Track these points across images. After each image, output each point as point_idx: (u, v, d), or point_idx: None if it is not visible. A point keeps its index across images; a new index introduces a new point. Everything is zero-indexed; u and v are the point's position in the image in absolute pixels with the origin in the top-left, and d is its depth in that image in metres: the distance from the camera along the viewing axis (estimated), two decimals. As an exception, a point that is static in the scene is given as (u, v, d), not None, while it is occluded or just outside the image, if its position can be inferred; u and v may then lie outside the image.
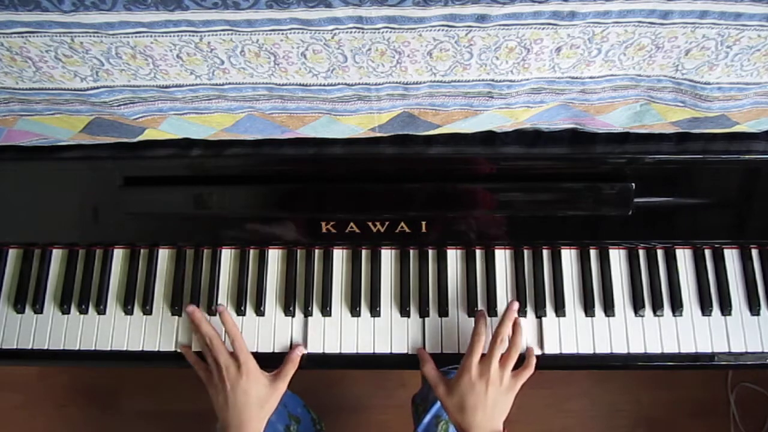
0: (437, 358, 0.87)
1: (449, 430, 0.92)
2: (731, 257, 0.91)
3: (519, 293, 0.90)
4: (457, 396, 0.78)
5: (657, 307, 0.89)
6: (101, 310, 0.90)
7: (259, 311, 0.89)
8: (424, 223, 0.86)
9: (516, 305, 0.86)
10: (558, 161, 0.85)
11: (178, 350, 0.88)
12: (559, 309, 0.89)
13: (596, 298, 0.89)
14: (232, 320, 0.85)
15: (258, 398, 0.79)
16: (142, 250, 0.93)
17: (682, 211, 0.87)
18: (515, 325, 0.84)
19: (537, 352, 0.86)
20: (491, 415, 0.77)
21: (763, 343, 0.87)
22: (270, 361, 0.85)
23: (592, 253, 0.91)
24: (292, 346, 0.88)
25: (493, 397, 0.77)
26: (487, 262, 0.91)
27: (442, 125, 0.77)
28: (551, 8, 0.55)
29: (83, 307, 0.90)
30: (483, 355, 0.80)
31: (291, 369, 0.84)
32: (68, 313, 0.91)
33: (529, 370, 0.82)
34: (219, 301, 0.90)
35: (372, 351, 0.88)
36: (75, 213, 0.90)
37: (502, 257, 0.91)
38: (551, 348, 0.87)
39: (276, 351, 0.88)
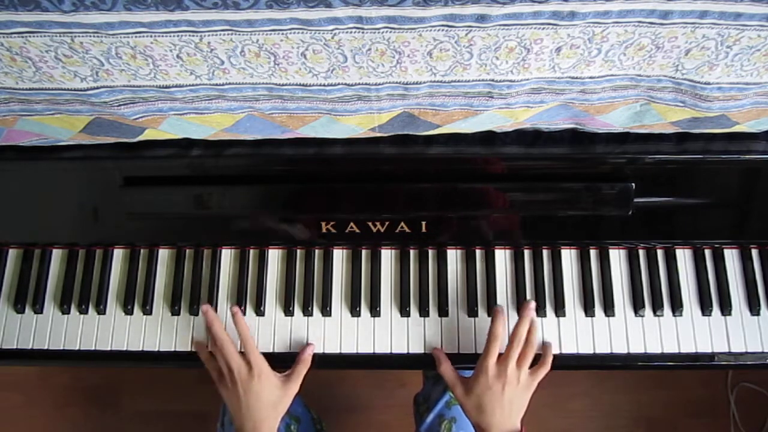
0: (437, 358, 0.87)
1: (452, 429, 0.92)
2: (731, 257, 0.91)
3: (519, 293, 0.90)
4: (475, 397, 0.78)
5: (657, 307, 0.89)
6: (101, 310, 0.90)
7: (259, 311, 0.89)
8: (424, 223, 0.86)
9: (533, 304, 0.85)
10: (558, 161, 0.85)
11: (179, 350, 0.88)
12: (559, 309, 0.89)
13: (596, 298, 0.89)
14: (244, 323, 0.85)
15: (270, 400, 0.80)
16: (142, 250, 0.93)
17: (682, 211, 0.87)
18: (531, 324, 0.83)
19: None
20: (509, 414, 0.77)
21: (763, 343, 0.87)
22: (270, 361, 0.85)
23: (592, 253, 0.91)
24: (301, 346, 0.87)
25: (510, 397, 0.77)
26: (487, 262, 0.91)
27: (442, 125, 0.77)
28: (551, 8, 0.55)
29: (83, 307, 0.90)
30: (500, 354, 0.81)
31: (303, 369, 0.84)
32: (68, 313, 0.91)
33: (546, 368, 0.82)
34: (219, 301, 0.90)
35: (372, 351, 0.88)
36: (75, 213, 0.90)
37: (502, 257, 0.91)
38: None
39: (276, 351, 0.88)
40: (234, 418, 0.81)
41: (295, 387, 0.83)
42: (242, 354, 0.82)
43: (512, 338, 0.81)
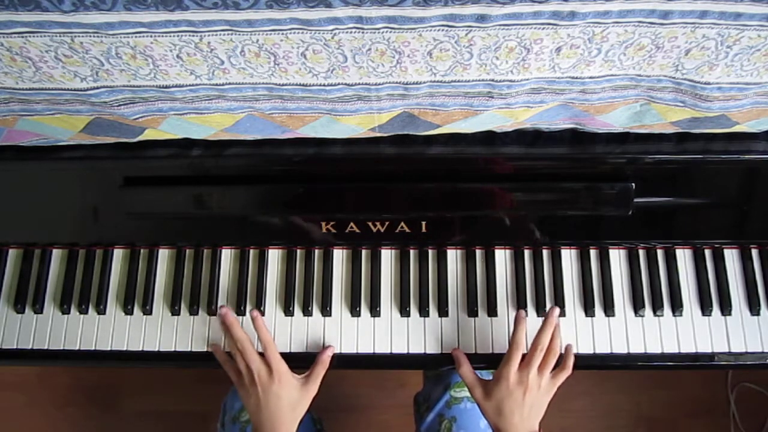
0: (439, 358, 0.87)
1: (452, 429, 0.92)
2: (731, 257, 0.91)
3: (519, 293, 0.89)
4: (495, 401, 0.78)
5: (657, 307, 0.89)
6: (101, 310, 0.90)
7: (259, 311, 0.89)
8: (424, 223, 0.86)
9: (556, 311, 0.84)
10: (558, 161, 0.85)
11: (179, 350, 0.88)
12: (559, 309, 0.89)
13: (596, 298, 0.89)
14: (265, 326, 0.85)
15: (289, 402, 0.80)
16: (142, 250, 0.93)
17: (682, 211, 0.87)
18: (554, 330, 0.83)
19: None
20: (528, 417, 0.78)
21: (763, 343, 0.87)
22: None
23: (592, 253, 0.91)
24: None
25: (530, 402, 0.78)
26: (487, 262, 0.91)
27: (442, 125, 0.77)
28: (551, 8, 0.55)
29: (83, 307, 0.90)
30: (522, 356, 0.80)
31: (321, 370, 0.84)
32: (68, 313, 0.91)
33: (567, 372, 0.82)
34: (219, 301, 0.90)
35: (372, 351, 0.88)
36: (75, 213, 0.90)
37: (502, 257, 0.91)
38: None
39: (276, 351, 0.88)
40: (252, 420, 0.81)
41: (314, 389, 0.83)
42: (261, 356, 0.82)
43: (534, 345, 0.80)
